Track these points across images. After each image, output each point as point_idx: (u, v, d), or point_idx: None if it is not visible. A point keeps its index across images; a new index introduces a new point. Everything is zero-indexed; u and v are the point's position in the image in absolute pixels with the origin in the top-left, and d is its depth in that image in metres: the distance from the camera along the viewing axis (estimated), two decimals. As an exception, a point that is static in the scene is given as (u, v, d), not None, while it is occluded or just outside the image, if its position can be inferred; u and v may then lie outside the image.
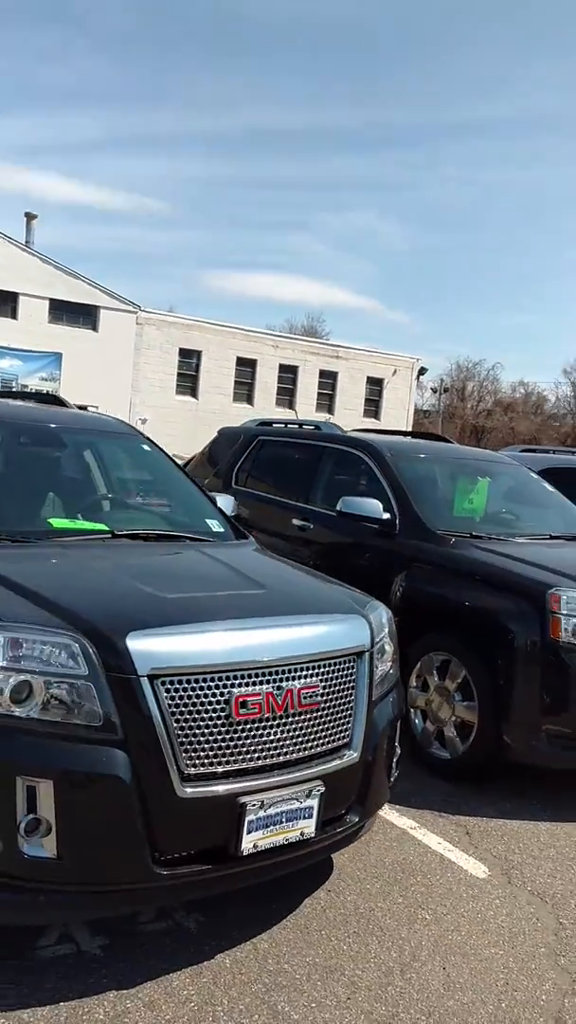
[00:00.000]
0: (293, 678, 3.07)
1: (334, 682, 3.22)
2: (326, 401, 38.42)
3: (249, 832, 2.90)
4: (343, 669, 3.26)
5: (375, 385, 39.84)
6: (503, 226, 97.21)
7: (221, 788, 2.87)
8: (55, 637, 2.82)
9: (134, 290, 30.12)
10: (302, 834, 3.06)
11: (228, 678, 2.92)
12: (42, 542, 3.73)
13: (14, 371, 29.29)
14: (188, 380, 34.71)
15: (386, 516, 5.67)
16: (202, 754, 2.85)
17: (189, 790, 2.81)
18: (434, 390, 61.00)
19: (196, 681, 2.86)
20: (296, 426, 7.69)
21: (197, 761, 2.84)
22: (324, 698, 3.16)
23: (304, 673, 3.11)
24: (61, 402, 5.41)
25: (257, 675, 2.98)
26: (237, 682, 2.93)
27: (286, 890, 3.50)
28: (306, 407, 37.29)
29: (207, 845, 2.88)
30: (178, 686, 2.83)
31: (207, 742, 2.86)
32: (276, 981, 2.99)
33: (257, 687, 2.97)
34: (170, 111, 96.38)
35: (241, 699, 2.92)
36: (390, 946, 3.26)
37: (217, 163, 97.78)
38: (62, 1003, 2.79)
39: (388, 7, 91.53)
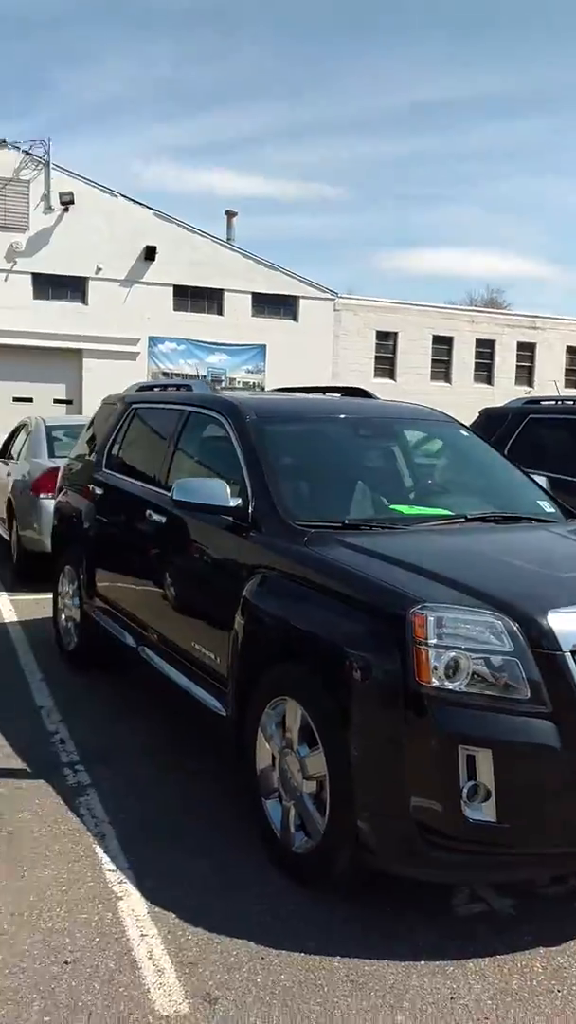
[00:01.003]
0: None
1: None
2: (524, 374, 37.38)
3: None
4: None
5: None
6: None
7: None
8: (479, 616, 3.02)
9: (312, 277, 30.68)
10: None
11: None
12: (409, 528, 3.96)
13: (222, 366, 30.45)
14: (385, 362, 34.77)
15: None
16: (624, 727, 2.97)
17: (615, 761, 2.93)
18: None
19: (613, 657, 2.98)
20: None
21: (619, 734, 2.96)
22: None
23: None
24: (367, 394, 5.66)
25: None
26: None
27: None
28: (504, 382, 36.46)
29: (630, 814, 3.00)
30: (597, 662, 2.96)
31: (628, 715, 2.97)
32: None
33: None
34: (326, 98, 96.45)
35: None
36: None
37: (377, 143, 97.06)
38: (497, 955, 3.01)
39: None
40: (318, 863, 3.30)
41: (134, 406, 5.96)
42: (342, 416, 4.89)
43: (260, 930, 3.12)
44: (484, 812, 2.89)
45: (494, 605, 3.05)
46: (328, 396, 5.73)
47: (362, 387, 5.73)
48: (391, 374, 35.01)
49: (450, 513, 4.20)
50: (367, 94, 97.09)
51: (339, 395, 5.73)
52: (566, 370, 37.91)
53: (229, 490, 4.11)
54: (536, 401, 7.99)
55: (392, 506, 4.38)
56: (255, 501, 4.05)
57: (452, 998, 2.79)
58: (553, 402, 7.87)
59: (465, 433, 5.08)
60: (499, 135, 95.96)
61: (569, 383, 37.49)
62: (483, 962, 2.97)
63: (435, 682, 2.95)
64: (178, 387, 5.91)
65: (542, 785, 2.91)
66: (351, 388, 5.74)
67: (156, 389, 6.28)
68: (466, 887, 3.38)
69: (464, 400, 28.00)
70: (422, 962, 2.96)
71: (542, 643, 2.95)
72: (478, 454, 5.00)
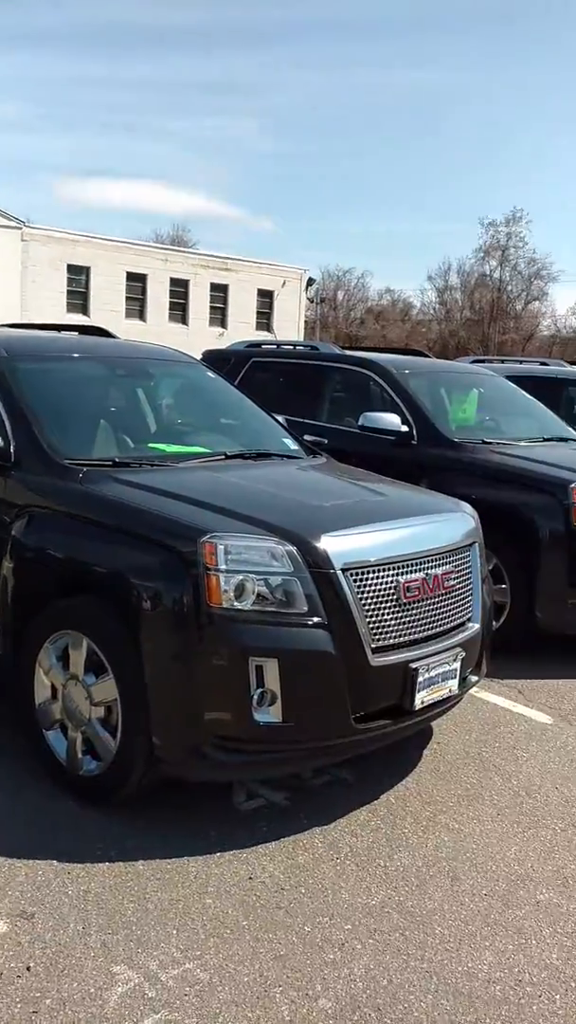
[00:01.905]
0: (436, 566, 3.71)
1: (460, 567, 3.88)
2: (218, 315, 38.33)
3: (419, 691, 3.56)
4: (464, 557, 3.92)
5: (266, 297, 39.92)
6: (363, 131, 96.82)
7: (400, 657, 3.51)
8: (262, 542, 3.34)
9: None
10: (450, 691, 3.75)
11: (396, 568, 3.53)
12: (177, 466, 4.17)
13: None
14: (78, 298, 33.93)
15: (404, 428, 6.29)
16: (384, 630, 3.47)
17: (378, 660, 3.43)
18: (311, 300, 61.58)
19: (375, 572, 3.46)
20: (291, 347, 8.14)
21: (381, 636, 3.46)
22: (455, 581, 3.82)
23: (442, 561, 3.75)
24: (107, 333, 5.71)
25: (414, 564, 3.61)
26: (402, 571, 3.55)
27: (405, 746, 4.19)
28: (199, 322, 37.13)
29: (389, 703, 3.53)
30: (363, 577, 3.42)
31: (386, 621, 3.48)
32: (437, 808, 3.71)
33: (416, 574, 3.60)
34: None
35: (406, 584, 3.55)
36: (508, 777, 4.03)
37: (60, 62, 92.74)
38: (282, 839, 3.43)
39: None
40: (111, 782, 3.49)
41: None
42: (97, 355, 4.94)
43: (61, 850, 3.27)
44: (271, 714, 3.26)
45: (273, 532, 3.39)
46: (65, 334, 5.70)
47: (101, 326, 5.76)
48: (84, 310, 34.27)
49: (209, 451, 4.47)
50: (53, 7, 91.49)
51: (76, 333, 5.72)
52: (257, 313, 39.39)
53: (-15, 429, 4.04)
54: (257, 345, 8.44)
55: (152, 444, 4.56)
56: (16, 440, 4.03)
57: (250, 878, 3.16)
58: (273, 346, 8.37)
59: (211, 375, 5.34)
60: (194, 70, 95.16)
61: (260, 326, 39.04)
62: (270, 846, 3.37)
63: (225, 604, 3.24)
64: None
65: (319, 685, 3.33)
66: (90, 327, 5.76)
67: None
68: (244, 787, 3.76)
69: (160, 341, 28.27)
70: (217, 854, 3.30)
71: (317, 563, 3.34)
72: (225, 395, 5.30)
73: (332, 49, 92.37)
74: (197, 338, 29.57)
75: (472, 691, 4.89)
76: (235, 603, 3.25)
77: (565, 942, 2.88)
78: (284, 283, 40.01)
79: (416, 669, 3.53)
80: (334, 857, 3.32)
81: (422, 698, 3.59)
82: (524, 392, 7.47)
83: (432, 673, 3.61)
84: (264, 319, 39.61)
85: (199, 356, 8.22)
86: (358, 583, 3.40)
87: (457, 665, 3.75)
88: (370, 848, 3.39)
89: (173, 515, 3.46)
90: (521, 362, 10.33)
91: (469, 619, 3.93)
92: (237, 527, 3.41)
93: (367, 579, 3.43)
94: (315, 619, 3.31)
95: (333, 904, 3.02)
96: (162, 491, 3.68)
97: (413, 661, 3.54)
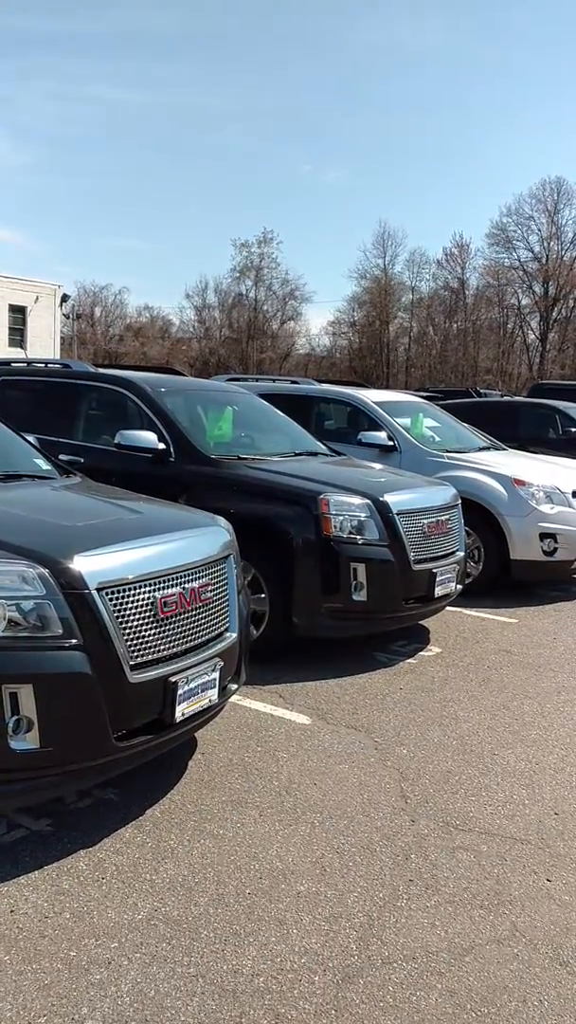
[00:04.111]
0: (192, 580, 3.80)
1: (216, 580, 3.99)
2: (-32, 331, 36.58)
3: (179, 703, 3.63)
4: (220, 569, 4.04)
5: (18, 313, 38.63)
6: (110, 146, 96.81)
7: (159, 672, 3.55)
8: (11, 567, 3.27)
9: None
10: (210, 700, 3.85)
11: (152, 584, 3.58)
12: None
13: None
14: None
15: (161, 446, 6.36)
16: (142, 646, 3.51)
17: (137, 676, 3.46)
18: (67, 316, 60.40)
19: (131, 589, 3.49)
20: (42, 365, 7.96)
21: (139, 652, 3.49)
22: (212, 593, 3.93)
23: (199, 575, 3.85)
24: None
25: (170, 580, 3.67)
26: (159, 587, 3.61)
27: (171, 757, 4.25)
28: (-54, 338, 35.26)
29: (150, 718, 3.56)
30: (119, 595, 3.44)
31: (144, 636, 3.52)
32: (202, 815, 3.79)
33: (172, 589, 3.67)
34: None
35: (163, 600, 3.61)
36: (270, 779, 4.19)
37: None
38: (46, 867, 3.36)
39: None
40: None
41: None
42: None
43: None
44: (29, 741, 3.19)
45: (24, 555, 3.33)
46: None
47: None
48: None
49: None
50: None
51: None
52: (9, 329, 38.02)
53: None
54: (7, 363, 8.20)
55: None
56: None
57: (12, 911, 3.07)
58: (24, 364, 8.16)
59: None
60: None
61: (13, 343, 37.72)
62: (34, 875, 3.29)
63: (-26, 632, 3.14)
64: None
65: (77, 708, 3.31)
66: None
67: None
68: (3, 819, 3.65)
69: None
70: (-23, 891, 3.18)
71: (71, 584, 3.32)
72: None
73: (69, 64, 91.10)
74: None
75: (235, 698, 5.06)
76: (-15, 630, 3.16)
77: (323, 927, 3.05)
78: (37, 299, 38.92)
79: (176, 682, 3.59)
80: (99, 878, 3.30)
81: (183, 710, 3.66)
82: (276, 409, 7.78)
83: (192, 685, 3.69)
84: (17, 335, 38.31)
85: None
86: (114, 602, 3.42)
87: (216, 675, 3.85)
88: (135, 864, 3.41)
89: None
90: (274, 380, 10.76)
91: (227, 629, 4.06)
92: (-16, 552, 3.32)
93: (123, 597, 3.46)
94: (71, 641, 3.29)
95: (99, 924, 3.01)
96: None
97: (172, 675, 3.60)
